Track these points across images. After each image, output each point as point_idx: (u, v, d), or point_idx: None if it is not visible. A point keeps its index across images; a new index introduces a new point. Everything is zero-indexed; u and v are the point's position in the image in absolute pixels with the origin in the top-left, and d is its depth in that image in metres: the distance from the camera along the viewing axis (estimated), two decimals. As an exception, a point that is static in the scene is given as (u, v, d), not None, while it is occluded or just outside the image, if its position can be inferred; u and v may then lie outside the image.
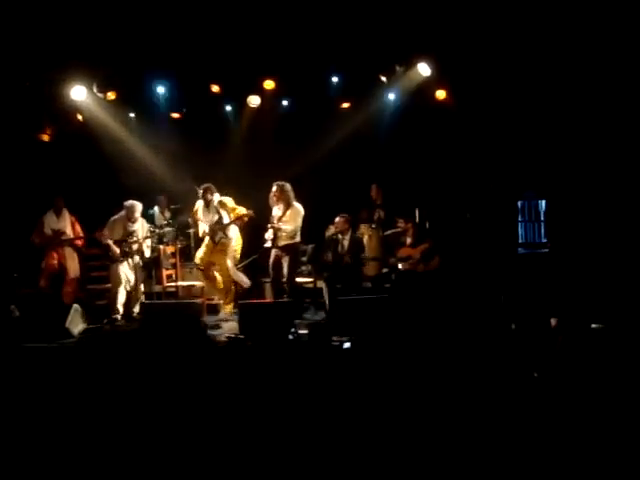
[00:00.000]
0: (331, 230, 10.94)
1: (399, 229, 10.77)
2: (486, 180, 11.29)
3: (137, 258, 10.51)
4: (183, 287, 11.35)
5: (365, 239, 11.26)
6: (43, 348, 8.70)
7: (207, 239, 10.61)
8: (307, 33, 10.48)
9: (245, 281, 10.69)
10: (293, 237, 10.31)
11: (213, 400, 5.82)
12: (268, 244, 10.37)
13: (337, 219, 10.65)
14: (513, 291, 9.36)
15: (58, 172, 11.90)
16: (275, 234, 10.26)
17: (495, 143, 11.18)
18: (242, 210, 10.53)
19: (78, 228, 11.00)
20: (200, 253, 10.66)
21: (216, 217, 10.51)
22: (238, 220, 10.51)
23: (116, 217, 10.58)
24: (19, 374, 7.21)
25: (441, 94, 11.20)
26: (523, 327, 7.99)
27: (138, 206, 10.56)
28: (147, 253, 10.65)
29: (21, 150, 11.70)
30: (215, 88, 11.60)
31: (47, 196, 11.09)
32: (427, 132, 11.72)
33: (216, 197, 10.56)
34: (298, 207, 10.37)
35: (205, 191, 10.53)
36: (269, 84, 11.49)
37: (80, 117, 11.81)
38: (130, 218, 10.49)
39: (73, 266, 10.86)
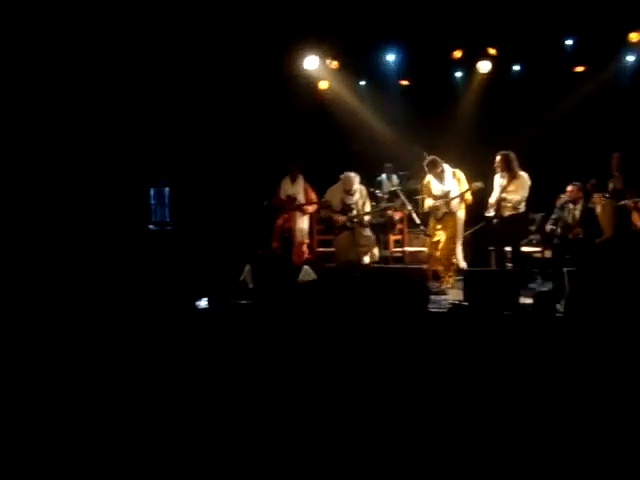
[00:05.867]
0: (562, 199, 10.59)
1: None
2: None
3: (358, 228, 10.56)
4: (410, 253, 11.46)
5: (598, 209, 10.79)
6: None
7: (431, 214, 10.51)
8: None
9: (462, 264, 10.40)
10: (518, 208, 10.05)
11: (427, 365, 5.83)
12: (491, 213, 10.18)
13: (569, 187, 10.28)
14: None
15: (295, 139, 12.38)
16: (499, 203, 10.05)
17: None
18: (468, 191, 10.28)
19: (312, 195, 11.33)
20: (430, 224, 10.64)
21: (446, 189, 10.28)
22: (461, 199, 10.27)
23: (334, 187, 10.79)
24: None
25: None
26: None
27: (354, 179, 10.60)
28: (367, 221, 10.68)
29: (261, 119, 12.29)
30: (457, 53, 11.53)
31: (286, 163, 11.56)
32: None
33: (447, 168, 10.33)
34: (524, 176, 10.04)
35: (429, 165, 10.31)
36: (492, 51, 11.27)
37: (325, 85, 12.17)
38: (347, 191, 10.62)
39: (301, 230, 11.24)
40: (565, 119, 11.72)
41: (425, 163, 10.38)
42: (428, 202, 10.49)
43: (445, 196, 10.26)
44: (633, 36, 10.78)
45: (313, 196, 11.31)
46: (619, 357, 5.43)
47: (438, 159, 10.33)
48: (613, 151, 11.18)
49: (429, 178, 10.49)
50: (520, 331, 7.05)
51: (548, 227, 10.36)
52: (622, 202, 10.63)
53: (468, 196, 10.28)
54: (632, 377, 5.03)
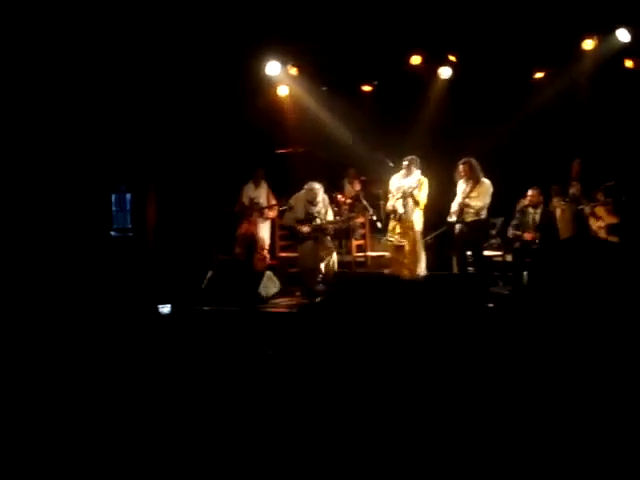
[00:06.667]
0: (522, 203, 10.74)
1: (598, 203, 10.50)
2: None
3: (321, 236, 10.54)
4: (372, 257, 11.50)
5: (557, 213, 10.95)
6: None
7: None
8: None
9: (420, 270, 10.42)
10: (480, 213, 10.15)
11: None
12: (453, 218, 10.26)
13: (530, 192, 10.43)
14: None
15: (258, 145, 12.38)
16: (462, 209, 10.16)
17: None
18: (423, 194, 10.32)
19: (273, 200, 11.35)
20: (390, 227, 10.69)
21: (404, 187, 10.34)
22: (414, 200, 10.29)
23: (297, 195, 10.76)
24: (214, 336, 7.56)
25: (629, 63, 10.67)
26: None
27: (318, 190, 10.54)
28: (330, 230, 10.68)
29: (223, 125, 12.27)
30: (416, 59, 11.62)
31: (247, 168, 11.56)
32: (629, 102, 11.16)
33: (417, 172, 10.38)
34: (487, 183, 10.16)
35: (410, 161, 10.36)
36: (452, 57, 11.41)
37: (283, 91, 12.22)
38: (310, 202, 10.58)
39: (263, 234, 11.24)
40: (524, 125, 11.83)
41: (408, 158, 10.40)
42: (389, 203, 10.58)
43: (402, 195, 10.32)
44: (588, 43, 10.93)
45: (274, 202, 11.33)
46: (574, 355, 5.51)
47: (417, 160, 10.41)
48: (572, 156, 11.33)
49: (395, 176, 10.58)
50: (481, 333, 7.11)
51: (510, 232, 10.49)
52: (580, 207, 10.82)
53: (421, 199, 10.33)
54: (588, 375, 5.11)
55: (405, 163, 10.42)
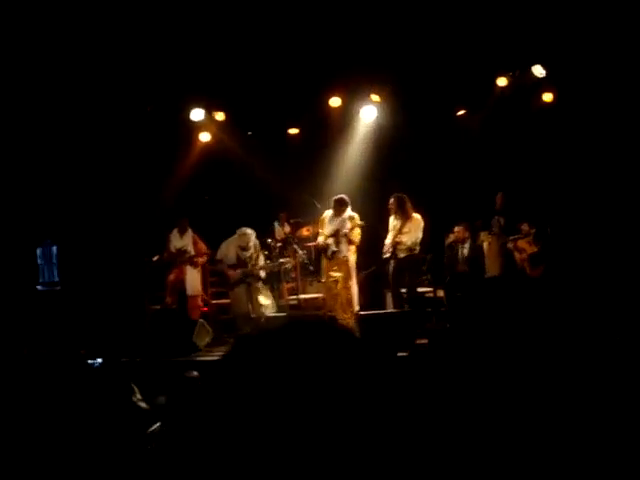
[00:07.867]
0: (450, 238, 10.87)
1: (522, 234, 10.72)
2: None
3: (253, 281, 10.54)
4: (305, 299, 11.45)
5: (485, 246, 11.11)
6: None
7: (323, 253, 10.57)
8: (419, 39, 10.45)
9: (354, 308, 10.33)
10: (413, 249, 10.23)
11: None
12: (387, 255, 10.30)
13: (456, 228, 10.58)
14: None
15: (184, 191, 12.30)
16: (394, 245, 10.21)
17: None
18: (356, 234, 10.29)
19: (202, 245, 11.22)
20: (323, 265, 10.66)
21: (337, 228, 10.28)
22: (348, 240, 10.26)
23: (229, 240, 10.71)
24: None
25: (548, 97, 10.97)
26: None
27: (250, 235, 10.56)
28: (263, 275, 10.70)
29: (148, 173, 12.16)
30: (337, 101, 11.74)
31: (174, 215, 11.46)
32: (545, 136, 11.44)
33: (348, 210, 10.34)
34: (418, 218, 10.26)
35: (337, 202, 10.31)
36: (375, 98, 11.56)
37: (207, 138, 12.21)
38: (242, 247, 10.56)
39: (192, 283, 11.09)
40: (447, 161, 12.01)
41: (336, 198, 10.36)
42: (320, 239, 10.51)
43: (334, 234, 10.30)
44: (501, 80, 11.26)
45: (203, 247, 11.21)
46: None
47: (346, 199, 10.36)
48: (497, 190, 11.52)
49: (326, 214, 10.51)
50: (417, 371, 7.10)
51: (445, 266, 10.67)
52: (504, 240, 11.02)
53: (355, 238, 10.31)
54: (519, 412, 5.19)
55: (333, 203, 10.40)
